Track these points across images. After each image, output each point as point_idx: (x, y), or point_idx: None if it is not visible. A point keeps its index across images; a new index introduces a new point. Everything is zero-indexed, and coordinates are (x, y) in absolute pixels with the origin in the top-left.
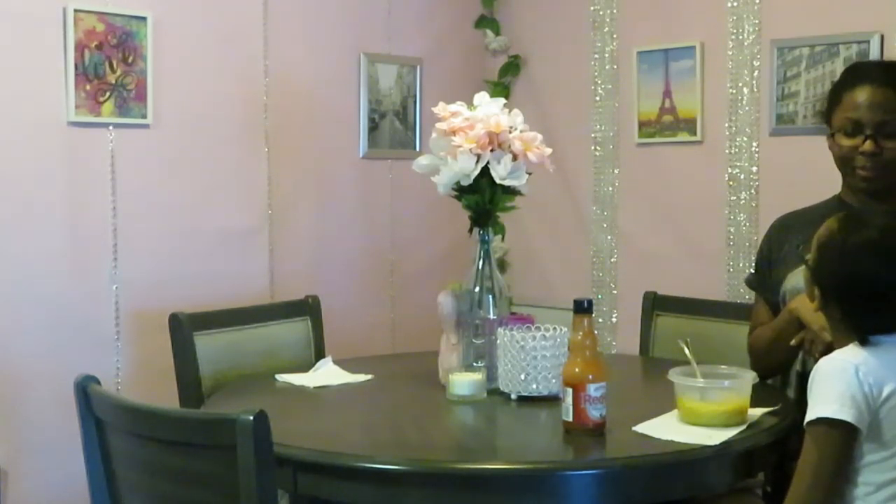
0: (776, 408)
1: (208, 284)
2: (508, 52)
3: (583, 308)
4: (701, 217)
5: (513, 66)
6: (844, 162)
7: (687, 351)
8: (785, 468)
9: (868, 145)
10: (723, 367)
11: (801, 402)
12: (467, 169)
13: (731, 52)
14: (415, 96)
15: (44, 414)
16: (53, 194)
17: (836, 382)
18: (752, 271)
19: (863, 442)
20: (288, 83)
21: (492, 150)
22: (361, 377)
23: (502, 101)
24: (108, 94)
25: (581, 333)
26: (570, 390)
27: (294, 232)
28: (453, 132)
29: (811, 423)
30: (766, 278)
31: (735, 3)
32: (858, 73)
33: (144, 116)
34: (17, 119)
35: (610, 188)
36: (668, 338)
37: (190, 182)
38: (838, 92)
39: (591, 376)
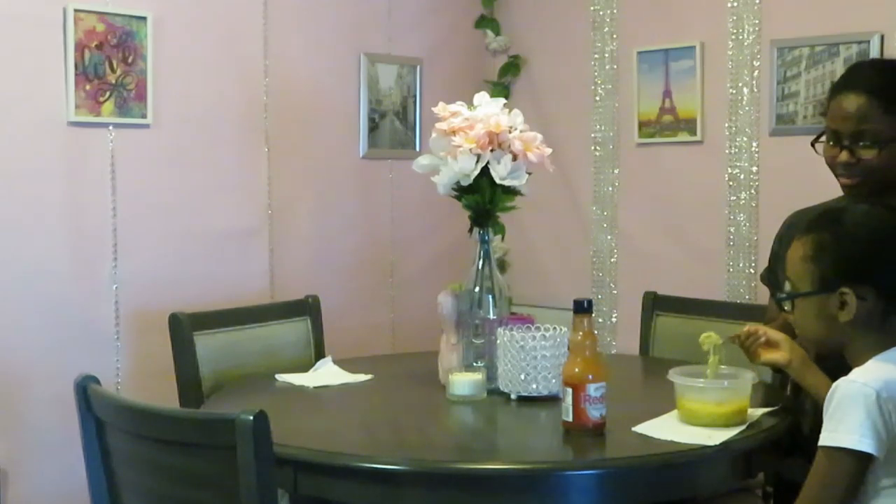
0: (776, 408)
1: (208, 284)
2: (508, 52)
3: (583, 308)
4: (701, 217)
5: (513, 66)
6: (829, 168)
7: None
8: (779, 467)
9: (844, 156)
10: (723, 367)
11: (796, 402)
12: (467, 169)
13: (731, 52)
14: (415, 96)
15: (44, 414)
16: (53, 194)
17: (857, 410)
18: (767, 266)
19: (878, 467)
20: (288, 83)
21: (492, 150)
22: (361, 377)
23: (502, 101)
24: (108, 94)
25: (581, 333)
26: (570, 390)
27: (294, 232)
28: (453, 132)
29: (829, 447)
30: (775, 275)
31: (735, 3)
32: (848, 78)
33: (144, 116)
34: (17, 119)
35: (610, 188)
36: (668, 338)
37: (190, 182)
38: (829, 98)
39: (591, 376)
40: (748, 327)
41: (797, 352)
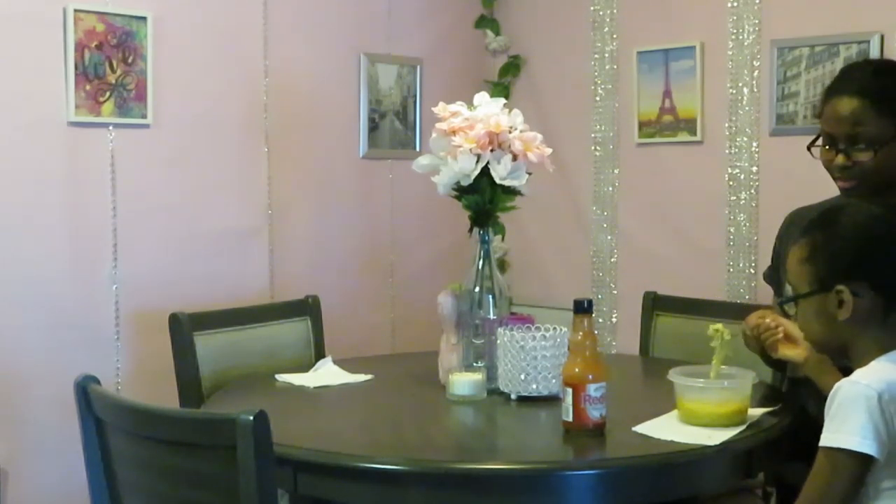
0: (776, 408)
1: (208, 284)
2: (508, 52)
3: (583, 308)
4: (701, 217)
5: (513, 66)
6: (827, 171)
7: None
8: (782, 471)
9: (840, 159)
10: (723, 367)
11: (797, 404)
12: (467, 169)
13: (731, 52)
14: (415, 96)
15: (44, 414)
16: (53, 194)
17: (859, 411)
18: (769, 265)
19: (879, 468)
20: (288, 83)
21: (492, 150)
22: (361, 377)
23: (502, 101)
24: (108, 94)
25: (581, 333)
26: (570, 390)
27: (294, 232)
28: (453, 132)
29: (830, 448)
30: (776, 274)
31: (735, 3)
32: (841, 81)
33: (144, 116)
34: (17, 119)
35: (610, 188)
36: (668, 338)
37: (190, 182)
38: (823, 101)
39: (591, 376)
40: (769, 319)
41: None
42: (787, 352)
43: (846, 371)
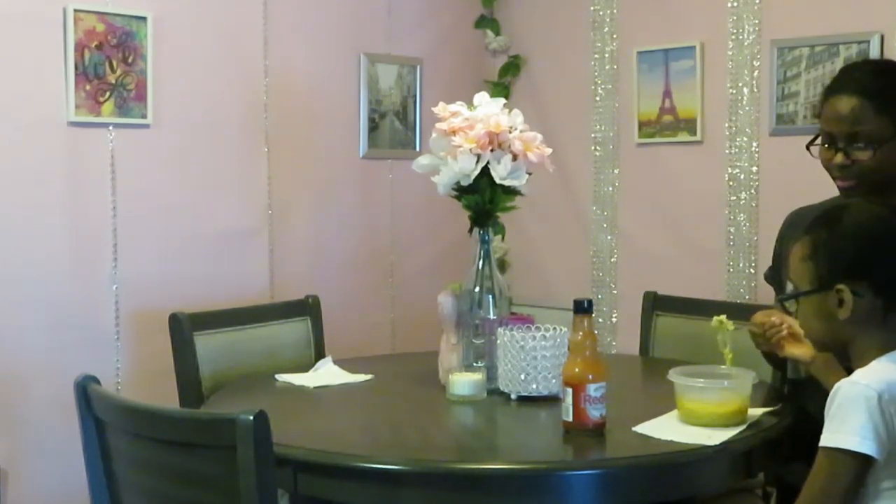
0: (776, 408)
1: (208, 284)
2: (508, 52)
3: (583, 308)
4: (701, 217)
5: (513, 66)
6: (826, 170)
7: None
8: (782, 472)
9: (839, 158)
10: (723, 367)
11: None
12: (467, 169)
13: (731, 52)
14: (415, 96)
15: (44, 414)
16: (53, 194)
17: (859, 412)
18: (770, 266)
19: (879, 469)
20: (288, 83)
21: (492, 150)
22: (361, 377)
23: (502, 101)
24: (108, 94)
25: (581, 333)
26: (570, 390)
27: (294, 232)
28: (453, 132)
29: (830, 448)
30: (778, 274)
31: (735, 3)
32: (840, 81)
33: (144, 116)
34: (17, 119)
35: (610, 188)
36: (668, 338)
37: (190, 182)
38: (822, 100)
39: (591, 376)
40: (774, 318)
41: None
42: (794, 350)
43: (851, 372)
